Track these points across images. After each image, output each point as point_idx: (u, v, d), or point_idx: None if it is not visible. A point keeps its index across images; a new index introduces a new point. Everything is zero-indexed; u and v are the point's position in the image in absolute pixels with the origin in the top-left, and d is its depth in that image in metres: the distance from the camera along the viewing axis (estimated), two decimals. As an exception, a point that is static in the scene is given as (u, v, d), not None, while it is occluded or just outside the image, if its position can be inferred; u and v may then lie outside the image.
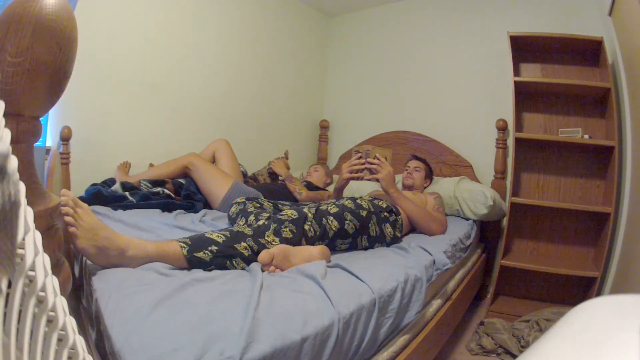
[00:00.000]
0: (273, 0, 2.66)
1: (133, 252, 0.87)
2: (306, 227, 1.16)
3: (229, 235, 1.01)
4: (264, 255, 0.96)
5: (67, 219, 0.79)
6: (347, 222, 1.25)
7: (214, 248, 0.96)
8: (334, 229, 1.21)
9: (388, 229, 1.37)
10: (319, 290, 0.85)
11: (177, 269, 0.90)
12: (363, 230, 1.30)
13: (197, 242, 0.96)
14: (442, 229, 1.61)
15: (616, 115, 1.82)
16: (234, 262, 0.97)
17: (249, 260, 0.99)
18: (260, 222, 1.14)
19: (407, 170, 2.01)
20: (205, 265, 0.94)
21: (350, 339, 0.81)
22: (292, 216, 1.16)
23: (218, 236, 0.99)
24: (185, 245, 0.93)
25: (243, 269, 0.98)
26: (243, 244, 1.00)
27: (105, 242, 0.84)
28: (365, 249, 1.34)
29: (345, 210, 1.26)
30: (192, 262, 0.93)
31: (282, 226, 1.11)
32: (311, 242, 1.16)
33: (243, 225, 1.19)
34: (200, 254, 0.93)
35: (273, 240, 1.07)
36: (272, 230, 1.09)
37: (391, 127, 2.72)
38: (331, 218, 1.22)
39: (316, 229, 1.18)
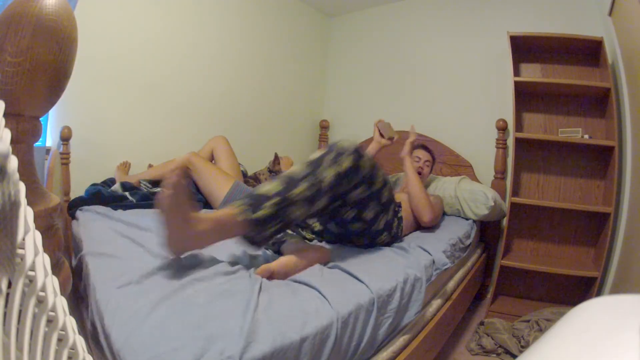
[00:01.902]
0: (273, 0, 2.66)
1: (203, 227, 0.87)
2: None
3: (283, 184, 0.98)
4: (263, 272, 0.92)
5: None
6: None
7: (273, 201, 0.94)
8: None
9: (388, 217, 1.30)
10: (318, 290, 0.85)
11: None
12: (370, 199, 1.19)
13: (254, 200, 0.95)
14: (433, 217, 1.62)
15: (616, 115, 1.82)
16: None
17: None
18: None
19: (417, 162, 2.00)
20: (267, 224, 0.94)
21: (349, 339, 0.81)
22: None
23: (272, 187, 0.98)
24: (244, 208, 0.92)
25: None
26: (300, 187, 0.98)
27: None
28: (365, 246, 1.31)
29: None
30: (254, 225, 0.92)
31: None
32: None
33: None
34: (259, 213, 0.92)
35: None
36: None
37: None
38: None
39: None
